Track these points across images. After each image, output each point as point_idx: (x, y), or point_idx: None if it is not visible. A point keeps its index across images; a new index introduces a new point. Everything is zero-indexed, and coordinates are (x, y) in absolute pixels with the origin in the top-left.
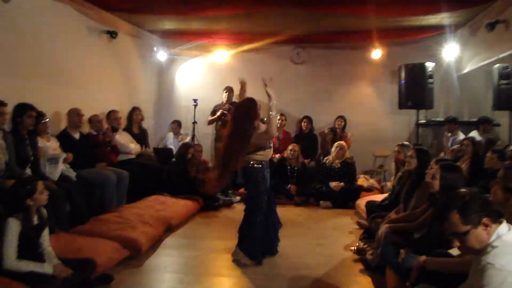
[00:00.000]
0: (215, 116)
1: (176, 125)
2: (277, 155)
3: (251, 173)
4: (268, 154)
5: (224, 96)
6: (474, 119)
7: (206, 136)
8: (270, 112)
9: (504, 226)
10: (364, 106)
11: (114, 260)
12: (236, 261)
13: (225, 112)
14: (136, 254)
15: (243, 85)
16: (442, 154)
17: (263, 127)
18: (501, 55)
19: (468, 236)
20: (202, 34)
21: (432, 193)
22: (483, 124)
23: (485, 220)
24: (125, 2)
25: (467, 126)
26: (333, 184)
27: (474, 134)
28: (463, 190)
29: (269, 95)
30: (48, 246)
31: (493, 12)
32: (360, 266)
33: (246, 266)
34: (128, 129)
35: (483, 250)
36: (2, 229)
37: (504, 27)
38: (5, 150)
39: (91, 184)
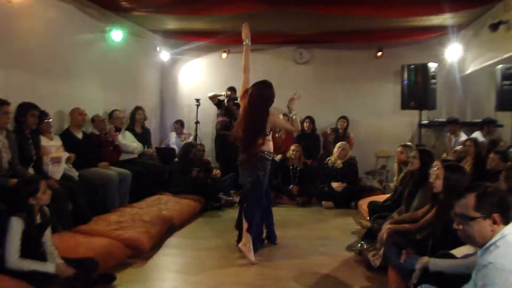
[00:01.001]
0: (220, 93)
1: (179, 125)
2: (279, 155)
3: (262, 161)
4: (270, 145)
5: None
6: (477, 120)
7: (208, 136)
8: (292, 115)
9: (510, 227)
10: (367, 107)
11: (116, 259)
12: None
13: (229, 97)
14: (138, 254)
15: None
16: (444, 155)
17: (283, 120)
18: (504, 56)
19: (473, 222)
20: (205, 34)
21: (435, 194)
22: (488, 125)
23: (496, 216)
24: (128, 2)
25: (470, 126)
26: (335, 184)
27: (477, 134)
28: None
29: (290, 109)
30: (51, 245)
31: (496, 13)
32: (362, 266)
33: (249, 264)
34: (130, 129)
35: (486, 249)
36: (5, 228)
37: (507, 28)
38: (8, 149)
39: (94, 184)
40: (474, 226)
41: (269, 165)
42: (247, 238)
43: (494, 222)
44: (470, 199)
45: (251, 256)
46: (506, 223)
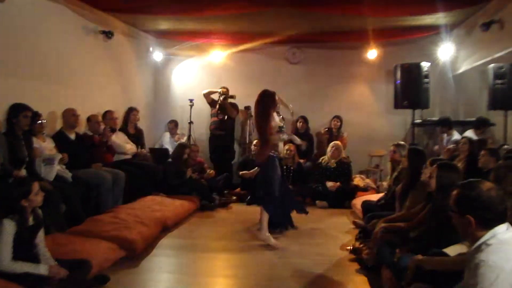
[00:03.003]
0: (215, 90)
1: (173, 125)
2: None
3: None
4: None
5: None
6: (470, 119)
7: (202, 136)
8: (283, 137)
9: (502, 226)
10: (360, 106)
11: (110, 260)
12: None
13: (224, 95)
14: (132, 255)
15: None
16: (436, 147)
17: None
18: (496, 55)
19: (453, 214)
20: (198, 34)
21: (430, 192)
22: (484, 125)
23: (469, 217)
24: (121, 2)
25: (463, 125)
26: (329, 184)
27: (469, 133)
28: (491, 186)
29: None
30: (44, 247)
31: (488, 12)
32: (356, 265)
33: (243, 264)
34: (123, 129)
35: (477, 247)
36: None
37: (499, 27)
38: None
39: (87, 185)
40: (454, 218)
41: (276, 160)
42: (265, 228)
43: (469, 222)
44: (454, 194)
45: (273, 242)
46: (485, 227)
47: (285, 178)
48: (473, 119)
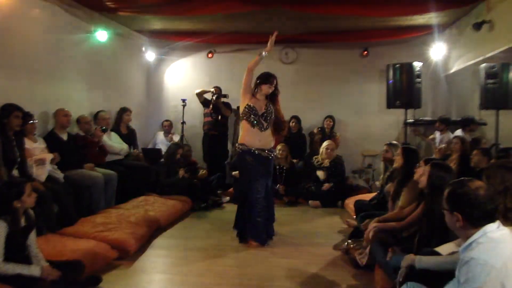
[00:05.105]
0: (208, 90)
1: (169, 124)
2: None
3: (238, 158)
4: (253, 141)
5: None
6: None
7: (196, 136)
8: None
9: (492, 224)
10: (353, 106)
11: (103, 261)
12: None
13: (218, 94)
14: (124, 255)
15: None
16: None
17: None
18: (488, 55)
19: (444, 212)
20: (191, 34)
21: (422, 192)
22: (469, 124)
23: (457, 214)
24: (114, 2)
25: (455, 125)
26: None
27: (459, 133)
28: (481, 184)
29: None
30: (36, 248)
31: (480, 13)
32: (349, 265)
33: (236, 265)
34: (116, 130)
35: (468, 246)
36: None
37: (490, 27)
38: None
39: (79, 185)
40: (446, 215)
41: (243, 159)
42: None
43: (457, 220)
44: (446, 192)
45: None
46: (474, 225)
47: (270, 191)
48: (460, 119)
